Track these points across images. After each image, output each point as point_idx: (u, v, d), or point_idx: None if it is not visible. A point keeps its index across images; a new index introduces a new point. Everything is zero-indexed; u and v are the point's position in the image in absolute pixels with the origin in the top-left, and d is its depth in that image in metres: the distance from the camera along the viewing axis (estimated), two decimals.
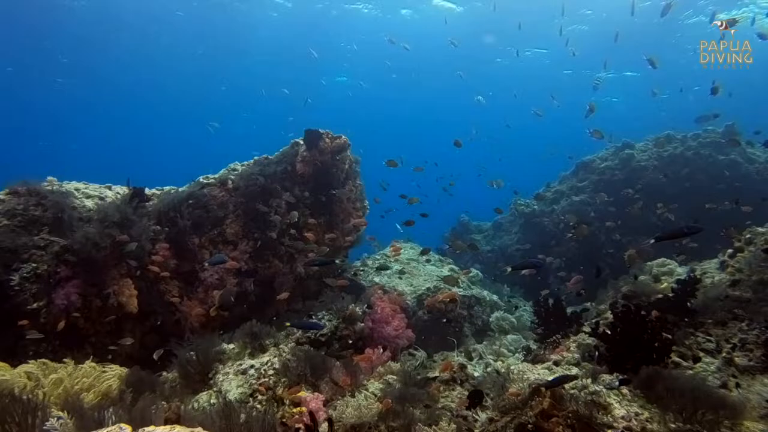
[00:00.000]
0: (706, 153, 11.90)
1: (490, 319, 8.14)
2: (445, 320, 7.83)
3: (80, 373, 3.69)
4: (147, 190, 6.64)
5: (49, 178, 5.98)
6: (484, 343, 7.18)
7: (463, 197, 18.46)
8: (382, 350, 5.20)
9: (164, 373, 4.44)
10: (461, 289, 8.60)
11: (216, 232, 7.03)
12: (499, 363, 5.44)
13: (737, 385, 4.01)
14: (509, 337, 7.21)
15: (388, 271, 8.81)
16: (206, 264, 6.51)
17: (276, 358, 4.12)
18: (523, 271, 8.35)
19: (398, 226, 9.80)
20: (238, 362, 4.24)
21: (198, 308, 6.66)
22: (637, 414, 3.30)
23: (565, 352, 4.61)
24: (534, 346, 5.89)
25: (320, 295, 7.11)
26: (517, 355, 6.13)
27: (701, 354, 4.82)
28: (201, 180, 7.20)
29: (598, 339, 4.18)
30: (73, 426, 2.22)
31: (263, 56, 28.38)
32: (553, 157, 16.43)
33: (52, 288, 5.19)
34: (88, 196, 6.01)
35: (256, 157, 7.70)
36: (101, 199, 6.02)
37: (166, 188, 6.99)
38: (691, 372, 4.29)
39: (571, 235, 10.22)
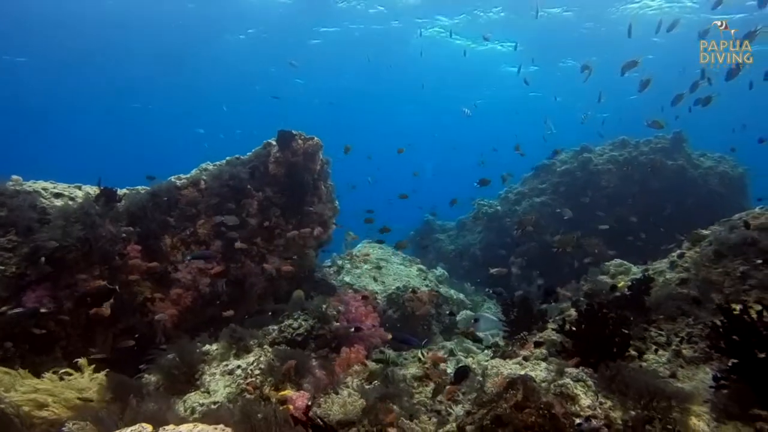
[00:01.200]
0: (657, 158, 12.67)
1: (458, 318, 8.43)
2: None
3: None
4: (120, 191, 6.52)
5: (14, 177, 5.79)
6: (455, 340, 7.44)
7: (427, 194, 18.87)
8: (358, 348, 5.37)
9: (146, 376, 4.43)
10: (429, 288, 8.86)
11: (188, 233, 6.99)
12: (469, 359, 5.71)
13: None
14: (480, 334, 7.50)
15: (359, 271, 8.97)
16: (187, 260, 6.49)
17: (262, 358, 4.21)
18: (492, 271, 8.67)
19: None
20: (224, 362, 4.30)
21: (171, 309, 6.60)
22: (601, 403, 3.60)
23: (533, 348, 4.90)
24: (502, 343, 6.19)
25: (290, 296, 7.22)
26: (486, 351, 6.41)
27: (654, 347, 5.25)
28: (173, 180, 7.12)
29: (564, 335, 4.48)
30: (92, 428, 2.26)
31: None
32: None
33: (22, 291, 5.05)
34: (57, 195, 5.86)
35: (228, 158, 7.68)
36: (71, 199, 5.88)
37: (137, 188, 6.88)
38: (645, 364, 4.67)
39: (516, 229, 10.63)
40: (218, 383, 3.92)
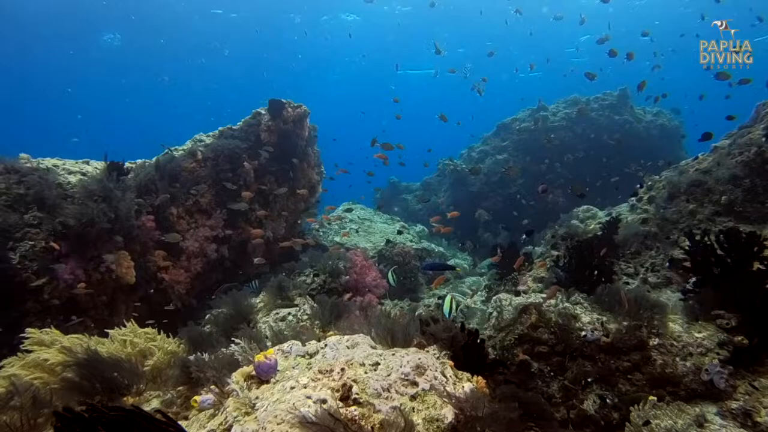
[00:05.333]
0: (605, 114, 13.77)
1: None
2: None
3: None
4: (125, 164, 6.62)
5: (22, 155, 5.78)
6: (450, 286, 8.18)
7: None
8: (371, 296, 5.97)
9: (205, 328, 4.78)
10: (413, 243, 9.52)
11: (191, 203, 7.20)
12: (468, 300, 6.44)
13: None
14: (469, 279, 8.30)
15: (346, 230, 9.46)
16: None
17: (305, 306, 4.69)
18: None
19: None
20: (274, 312, 4.75)
21: (182, 276, 6.89)
22: (598, 318, 4.40)
23: (529, 282, 5.67)
24: (493, 285, 6.96)
25: (290, 257, 7.68)
26: (480, 293, 7.17)
27: (624, 277, 6.19)
28: (171, 151, 7.24)
29: (559, 269, 5.25)
30: (249, 347, 2.69)
31: None
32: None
33: (52, 264, 5.21)
34: (70, 172, 5.92)
35: (220, 128, 7.83)
36: (83, 175, 5.95)
37: (139, 161, 6.96)
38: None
39: (503, 170, 11.28)
40: (272, 330, 4.37)
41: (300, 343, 2.49)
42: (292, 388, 1.87)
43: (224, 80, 38.40)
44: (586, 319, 4.42)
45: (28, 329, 4.09)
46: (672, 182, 7.10)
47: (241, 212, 7.67)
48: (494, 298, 4.90)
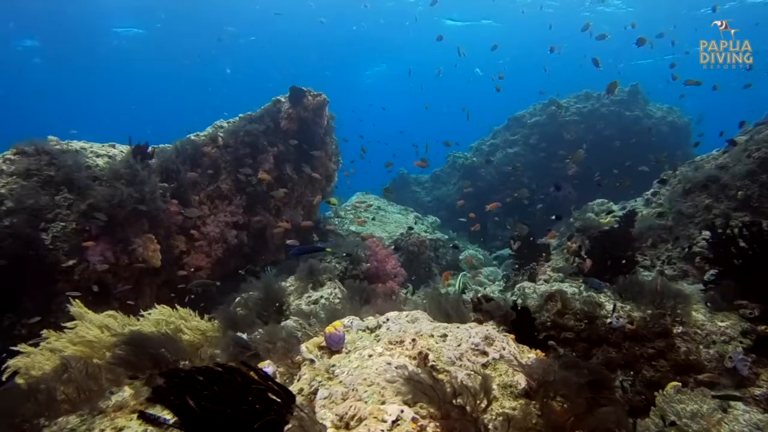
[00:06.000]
0: (616, 110, 13.83)
1: (460, 257, 9.31)
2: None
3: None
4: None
5: (50, 137, 5.87)
6: (467, 275, 8.30)
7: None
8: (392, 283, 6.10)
9: (237, 310, 4.91)
10: (427, 234, 9.64)
11: (212, 188, 7.30)
12: (488, 289, 6.57)
13: None
14: (486, 269, 8.44)
15: (362, 218, 9.58)
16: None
17: (336, 290, 4.82)
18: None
19: None
20: (306, 294, 4.87)
21: (203, 260, 7.01)
22: (622, 307, 4.52)
23: (549, 272, 5.79)
24: (511, 274, 7.09)
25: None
26: (497, 283, 7.30)
27: (641, 269, 6.31)
28: (192, 137, 7.33)
29: (581, 259, 5.38)
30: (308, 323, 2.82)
31: None
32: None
33: (82, 246, 5.32)
34: (98, 155, 6.01)
35: (241, 115, 7.91)
36: (110, 158, 6.04)
37: (161, 146, 7.04)
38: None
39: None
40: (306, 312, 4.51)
41: (359, 318, 2.62)
42: (370, 356, 1.98)
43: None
44: (609, 306, 4.54)
45: (72, 305, 4.20)
46: (688, 177, 7.21)
47: (260, 199, 7.77)
48: (518, 286, 5.03)
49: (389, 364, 1.85)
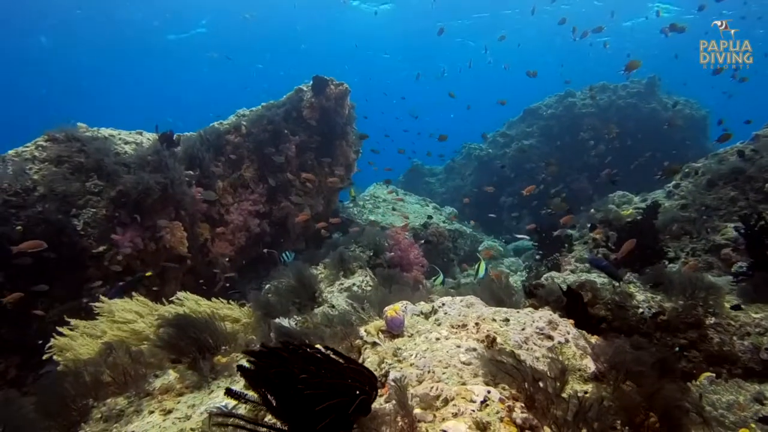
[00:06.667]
0: (633, 102, 13.72)
1: (479, 249, 9.33)
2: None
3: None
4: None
5: (80, 124, 5.92)
6: (490, 263, 8.33)
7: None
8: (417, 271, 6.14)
9: (269, 297, 4.95)
10: (446, 225, 9.65)
11: (236, 176, 7.34)
12: (512, 277, 6.58)
13: None
14: (508, 260, 8.46)
15: (380, 210, 9.61)
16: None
17: (367, 277, 4.86)
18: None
19: None
20: (338, 282, 4.92)
21: (227, 248, 7.07)
22: (652, 297, 4.53)
23: (574, 263, 5.80)
24: (533, 265, 7.10)
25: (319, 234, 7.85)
26: (519, 273, 7.31)
27: (666, 261, 6.30)
28: (216, 126, 7.36)
29: (608, 249, 5.38)
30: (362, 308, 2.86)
31: None
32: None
33: (112, 232, 5.38)
34: (126, 142, 6.06)
35: (263, 103, 7.93)
36: (137, 145, 6.09)
37: (186, 134, 7.08)
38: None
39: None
40: (338, 299, 4.55)
41: (411, 303, 2.65)
42: (437, 339, 2.02)
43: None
44: (640, 297, 4.55)
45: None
46: (711, 170, 7.17)
47: (281, 188, 7.81)
48: (545, 276, 5.04)
49: (458, 347, 1.88)
